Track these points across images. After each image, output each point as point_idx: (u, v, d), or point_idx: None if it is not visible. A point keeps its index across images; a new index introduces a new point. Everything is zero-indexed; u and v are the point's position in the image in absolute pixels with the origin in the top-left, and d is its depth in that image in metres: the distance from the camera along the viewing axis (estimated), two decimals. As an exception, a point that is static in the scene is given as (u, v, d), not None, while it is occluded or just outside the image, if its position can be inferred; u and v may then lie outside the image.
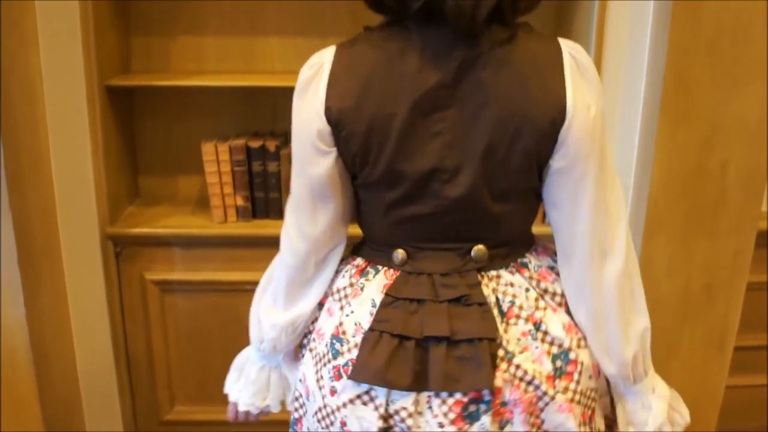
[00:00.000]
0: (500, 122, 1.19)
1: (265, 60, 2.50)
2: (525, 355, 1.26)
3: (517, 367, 1.25)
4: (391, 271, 1.33)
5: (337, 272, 1.42)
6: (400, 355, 1.23)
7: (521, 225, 1.34)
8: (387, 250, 1.33)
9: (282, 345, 1.47)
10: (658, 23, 2.10)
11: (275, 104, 2.53)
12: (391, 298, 1.29)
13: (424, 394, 1.24)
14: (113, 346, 2.42)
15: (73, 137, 2.23)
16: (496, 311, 1.27)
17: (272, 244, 2.33)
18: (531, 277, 1.32)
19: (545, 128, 1.19)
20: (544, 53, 1.21)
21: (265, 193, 2.38)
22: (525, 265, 1.33)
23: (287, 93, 2.49)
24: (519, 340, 1.27)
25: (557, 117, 1.18)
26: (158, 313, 2.41)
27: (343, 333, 1.32)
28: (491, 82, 1.18)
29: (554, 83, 1.19)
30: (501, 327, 1.26)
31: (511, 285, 1.30)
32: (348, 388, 1.29)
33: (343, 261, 1.43)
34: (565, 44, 1.22)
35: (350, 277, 1.38)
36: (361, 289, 1.34)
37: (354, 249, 1.43)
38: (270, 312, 1.46)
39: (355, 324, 1.31)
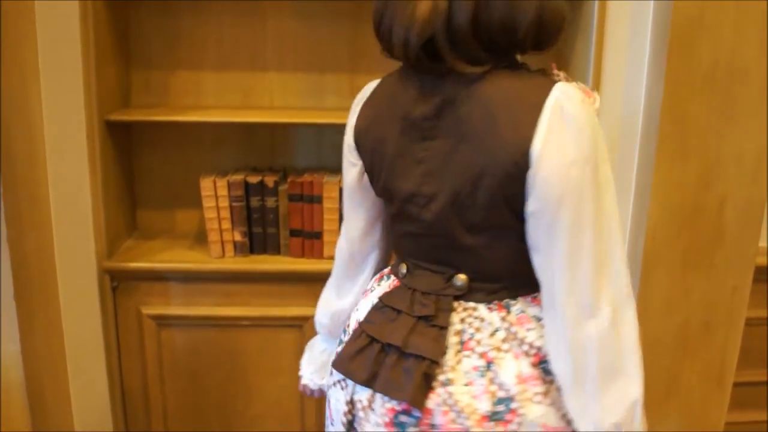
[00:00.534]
0: (469, 158, 1.23)
1: (264, 95, 2.52)
2: (467, 388, 1.28)
3: (451, 395, 1.28)
4: (396, 281, 1.43)
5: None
6: (366, 353, 1.34)
7: (508, 264, 1.32)
8: (399, 262, 1.44)
9: (335, 331, 1.62)
10: (655, 59, 2.12)
11: (274, 139, 2.54)
12: (381, 303, 1.39)
13: (377, 393, 1.33)
14: (108, 381, 2.40)
15: (72, 171, 2.23)
16: (456, 339, 1.31)
17: (270, 279, 2.35)
18: (505, 319, 1.31)
19: (509, 170, 1.20)
20: (524, 95, 1.21)
21: (263, 229, 2.38)
22: (507, 307, 1.32)
23: (286, 128, 2.53)
24: (467, 372, 1.28)
25: (520, 160, 1.18)
26: (154, 348, 2.40)
27: (348, 326, 1.49)
28: (466, 119, 1.23)
29: (525, 126, 1.18)
30: (453, 355, 1.29)
31: (482, 320, 1.31)
32: (334, 373, 1.43)
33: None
34: (559, 89, 1.20)
35: (374, 281, 1.51)
36: (371, 291, 1.48)
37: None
38: (326, 299, 1.66)
39: (357, 320, 1.44)
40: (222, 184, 2.33)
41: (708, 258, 2.21)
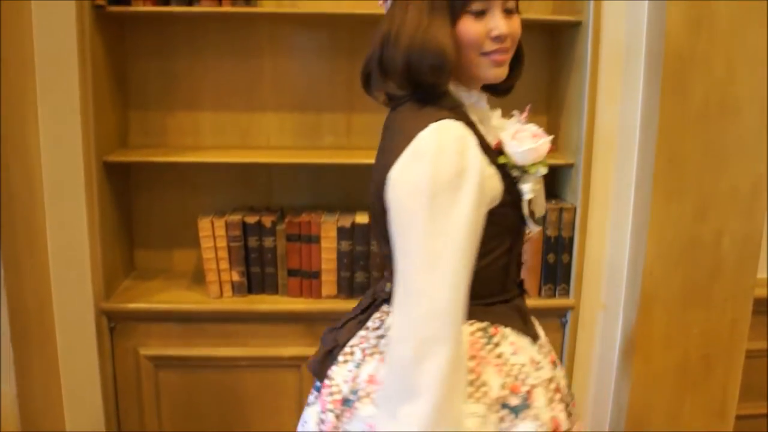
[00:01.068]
0: (374, 176, 1.41)
1: (261, 135, 2.53)
2: (344, 372, 1.50)
3: (334, 372, 1.52)
4: None
5: None
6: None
7: None
8: None
9: None
10: (648, 95, 2.14)
11: (271, 179, 2.55)
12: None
13: None
14: (105, 423, 2.38)
15: (70, 212, 2.23)
16: (364, 333, 1.51)
17: (268, 319, 2.35)
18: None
19: (382, 188, 1.34)
20: (410, 126, 1.32)
21: (261, 269, 2.38)
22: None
23: (283, 168, 2.54)
24: (351, 361, 1.51)
25: (385, 181, 1.32)
26: (152, 389, 2.39)
27: None
28: (380, 142, 1.45)
29: (396, 152, 1.31)
30: (358, 339, 1.52)
31: (383, 319, 1.50)
32: None
33: None
34: (434, 126, 1.29)
35: None
36: None
37: None
38: None
39: None
40: (220, 224, 2.33)
41: (706, 292, 2.21)
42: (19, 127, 2.08)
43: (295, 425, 1.71)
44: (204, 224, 2.33)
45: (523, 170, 1.41)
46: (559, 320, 2.41)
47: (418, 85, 1.36)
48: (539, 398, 1.43)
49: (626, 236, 2.30)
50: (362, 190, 1.86)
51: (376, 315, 1.52)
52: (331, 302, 2.36)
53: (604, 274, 2.40)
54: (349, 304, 1.64)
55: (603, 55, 2.23)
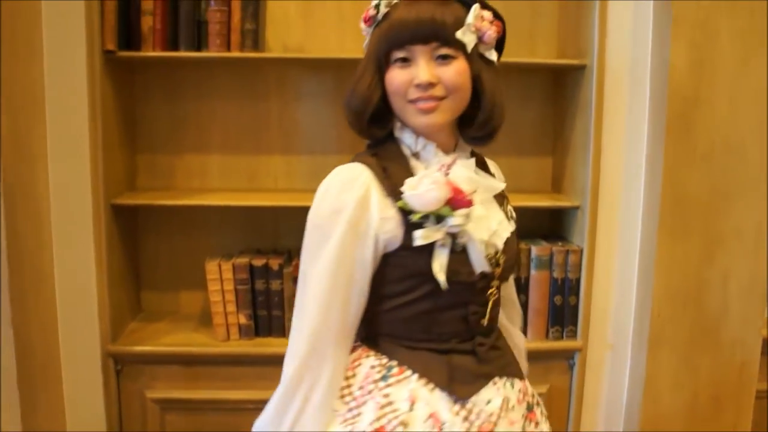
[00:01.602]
0: None
1: (269, 178, 2.55)
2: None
3: None
4: None
5: None
6: None
7: None
8: None
9: None
10: (653, 137, 2.15)
11: (278, 222, 2.57)
12: None
13: None
14: (112, 467, 2.37)
15: (78, 254, 2.24)
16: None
17: (275, 362, 2.32)
18: None
19: None
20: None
21: (268, 312, 2.38)
22: None
23: (290, 211, 2.55)
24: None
25: None
26: (158, 432, 2.38)
27: None
28: None
29: None
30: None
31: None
32: None
33: None
34: (333, 170, 1.42)
35: None
36: None
37: None
38: None
39: None
40: (227, 267, 2.34)
41: (714, 333, 2.21)
42: (28, 169, 2.10)
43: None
44: (211, 267, 2.34)
45: (425, 217, 1.36)
46: (567, 362, 2.40)
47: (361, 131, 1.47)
48: None
49: (633, 277, 2.29)
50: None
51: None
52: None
53: (611, 316, 2.39)
54: (356, 347, 1.62)
55: (607, 97, 2.25)
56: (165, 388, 2.35)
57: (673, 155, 2.06)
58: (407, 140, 1.45)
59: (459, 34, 1.35)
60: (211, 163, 2.55)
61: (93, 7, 2.11)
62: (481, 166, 1.52)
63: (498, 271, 1.44)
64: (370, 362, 1.45)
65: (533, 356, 2.39)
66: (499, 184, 1.47)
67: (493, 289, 1.45)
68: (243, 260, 2.35)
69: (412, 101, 1.38)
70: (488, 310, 1.46)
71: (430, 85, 1.36)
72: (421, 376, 1.41)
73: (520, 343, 1.73)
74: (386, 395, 1.40)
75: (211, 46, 2.27)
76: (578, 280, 2.35)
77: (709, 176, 2.09)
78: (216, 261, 2.34)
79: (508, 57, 2.51)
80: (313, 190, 1.41)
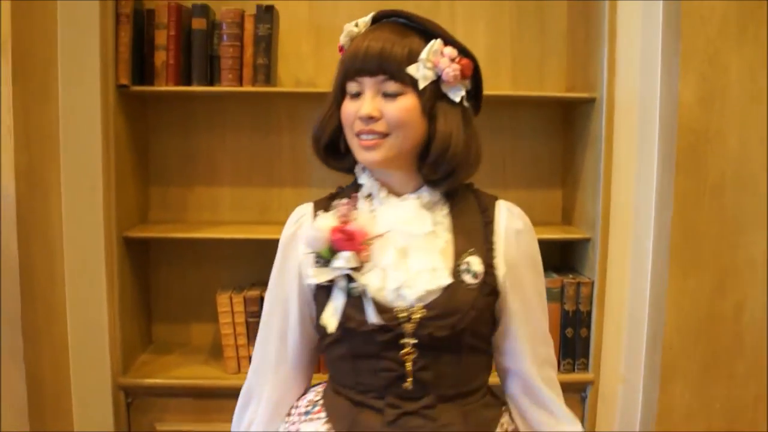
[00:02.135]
0: None
1: (280, 210, 2.56)
2: None
3: None
4: None
5: None
6: None
7: None
8: None
9: None
10: (664, 171, 2.16)
11: (289, 253, 2.57)
12: None
13: None
14: (121, 502, 2.36)
15: (90, 287, 2.25)
16: None
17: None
18: None
19: None
20: None
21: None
22: None
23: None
24: None
25: None
26: (168, 465, 2.37)
27: None
28: None
29: None
30: None
31: None
32: None
33: None
34: (305, 203, 1.51)
35: None
36: None
37: None
38: None
39: None
40: (238, 300, 2.34)
41: (728, 367, 2.19)
42: (41, 201, 2.11)
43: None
44: (222, 299, 2.34)
45: (318, 256, 1.35)
46: (579, 395, 2.39)
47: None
48: None
49: (644, 309, 2.28)
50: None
51: None
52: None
53: (623, 348, 2.38)
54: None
55: (617, 129, 2.26)
56: (175, 421, 2.34)
57: (684, 187, 2.06)
58: (362, 179, 1.43)
59: (411, 69, 1.31)
60: (222, 195, 2.56)
61: (107, 42, 2.14)
62: (470, 209, 1.42)
63: (408, 327, 1.31)
64: (310, 395, 1.49)
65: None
66: (419, 230, 1.36)
67: (408, 348, 1.32)
68: (254, 293, 2.35)
69: (357, 135, 1.34)
70: (409, 371, 1.33)
71: (371, 119, 1.31)
72: (328, 421, 1.40)
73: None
74: (298, 430, 1.43)
75: (224, 81, 2.30)
76: (589, 313, 2.35)
77: (719, 208, 2.08)
78: (227, 294, 2.35)
79: (518, 91, 2.54)
80: (324, 224, 1.42)
